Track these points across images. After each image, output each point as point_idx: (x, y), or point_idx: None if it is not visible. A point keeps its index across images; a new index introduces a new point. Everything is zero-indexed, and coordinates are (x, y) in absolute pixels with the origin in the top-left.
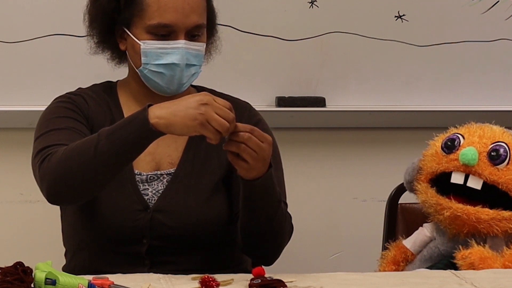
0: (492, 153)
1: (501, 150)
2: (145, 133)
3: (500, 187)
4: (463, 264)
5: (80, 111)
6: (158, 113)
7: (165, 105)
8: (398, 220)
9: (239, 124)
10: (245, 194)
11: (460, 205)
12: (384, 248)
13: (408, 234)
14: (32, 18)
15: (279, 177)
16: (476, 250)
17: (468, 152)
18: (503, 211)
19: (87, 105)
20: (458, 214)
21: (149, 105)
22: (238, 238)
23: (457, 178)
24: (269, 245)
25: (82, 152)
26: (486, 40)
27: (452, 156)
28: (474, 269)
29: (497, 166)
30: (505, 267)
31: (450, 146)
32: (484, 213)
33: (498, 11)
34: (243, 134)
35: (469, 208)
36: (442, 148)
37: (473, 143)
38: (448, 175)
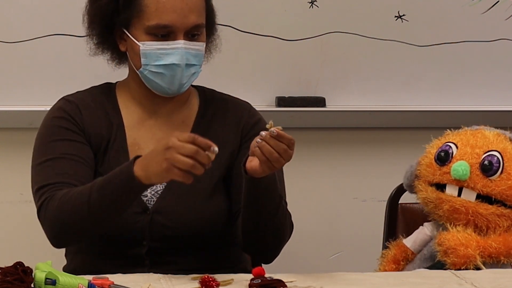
0: (485, 163)
1: (494, 161)
2: (132, 188)
3: (494, 197)
4: (440, 250)
5: (75, 124)
6: (140, 165)
7: (145, 155)
8: (399, 220)
9: (282, 133)
10: (249, 190)
11: (459, 199)
12: (384, 248)
13: (408, 234)
14: (32, 18)
15: (279, 176)
16: (451, 236)
17: (459, 168)
18: (503, 208)
19: (81, 115)
20: (457, 207)
21: (137, 157)
22: (238, 237)
23: (451, 191)
24: (270, 241)
25: (76, 206)
26: (486, 40)
27: (445, 169)
28: (450, 254)
29: (490, 178)
30: (481, 252)
31: (443, 158)
32: (483, 207)
33: (498, 11)
34: (281, 145)
35: (468, 202)
36: (435, 160)
37: (465, 155)
38: (443, 185)
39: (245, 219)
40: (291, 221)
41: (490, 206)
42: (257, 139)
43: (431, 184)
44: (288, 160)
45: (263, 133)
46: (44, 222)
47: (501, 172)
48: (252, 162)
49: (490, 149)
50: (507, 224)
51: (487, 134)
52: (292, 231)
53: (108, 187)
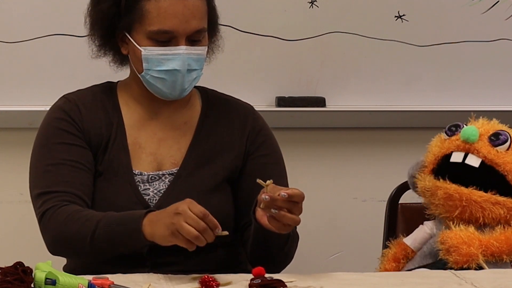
0: (493, 137)
1: (502, 134)
2: (136, 240)
3: (497, 168)
4: (442, 249)
5: (75, 125)
6: (148, 221)
7: (156, 213)
8: (399, 220)
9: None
10: (258, 232)
11: (454, 185)
12: (385, 248)
13: (408, 234)
14: (32, 18)
15: (284, 180)
16: (454, 235)
17: (469, 129)
18: (498, 196)
19: (80, 114)
20: (451, 193)
21: (149, 211)
22: (245, 249)
23: (456, 157)
24: (277, 263)
25: (79, 233)
26: (486, 40)
27: (454, 137)
28: (452, 252)
29: (497, 148)
30: (483, 251)
31: (453, 130)
32: (477, 194)
33: (498, 11)
34: (292, 217)
35: (463, 189)
36: (445, 132)
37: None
38: (449, 158)
39: (253, 247)
40: (297, 233)
41: (485, 194)
42: (273, 210)
43: (435, 165)
44: (300, 214)
45: (266, 196)
46: (45, 232)
47: (508, 149)
48: (264, 219)
49: (500, 129)
50: (502, 212)
51: (498, 123)
52: (298, 242)
53: (115, 229)
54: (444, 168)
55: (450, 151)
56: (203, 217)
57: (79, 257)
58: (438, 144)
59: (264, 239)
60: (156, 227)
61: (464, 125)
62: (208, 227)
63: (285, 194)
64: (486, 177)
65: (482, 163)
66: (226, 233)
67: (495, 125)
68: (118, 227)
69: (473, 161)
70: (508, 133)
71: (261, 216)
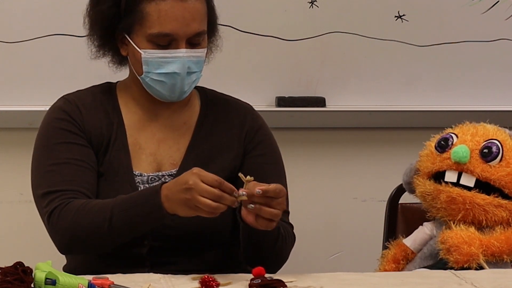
0: (484, 150)
1: (493, 148)
2: (158, 216)
3: (493, 183)
4: (443, 248)
5: (76, 125)
6: (164, 196)
7: (169, 187)
8: (399, 220)
9: (269, 189)
10: (245, 231)
11: (457, 189)
12: (385, 248)
13: (408, 234)
14: (32, 18)
15: (283, 182)
16: (454, 234)
17: (459, 150)
18: (500, 199)
19: (81, 114)
20: (454, 196)
21: (163, 183)
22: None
23: (450, 177)
24: (270, 263)
25: (94, 223)
26: (486, 40)
27: (445, 155)
28: (453, 252)
29: (490, 163)
30: (484, 251)
31: (443, 145)
32: (480, 197)
33: (498, 11)
34: (270, 210)
35: (466, 192)
36: (435, 148)
37: (466, 142)
38: (442, 174)
39: (244, 247)
40: (293, 234)
41: (488, 196)
42: (250, 205)
43: (430, 177)
44: (283, 210)
45: (243, 192)
46: (54, 230)
47: (500, 160)
48: (249, 217)
49: (490, 138)
50: (505, 215)
51: (488, 127)
52: (293, 244)
53: (133, 212)
54: (440, 175)
55: (443, 169)
56: (219, 185)
57: (95, 249)
58: (429, 158)
59: (249, 237)
60: (174, 204)
61: (453, 136)
62: (225, 193)
63: (260, 190)
64: (483, 191)
65: (477, 180)
66: (245, 196)
67: (485, 133)
68: (135, 209)
69: (468, 181)
70: (498, 141)
71: (246, 214)
